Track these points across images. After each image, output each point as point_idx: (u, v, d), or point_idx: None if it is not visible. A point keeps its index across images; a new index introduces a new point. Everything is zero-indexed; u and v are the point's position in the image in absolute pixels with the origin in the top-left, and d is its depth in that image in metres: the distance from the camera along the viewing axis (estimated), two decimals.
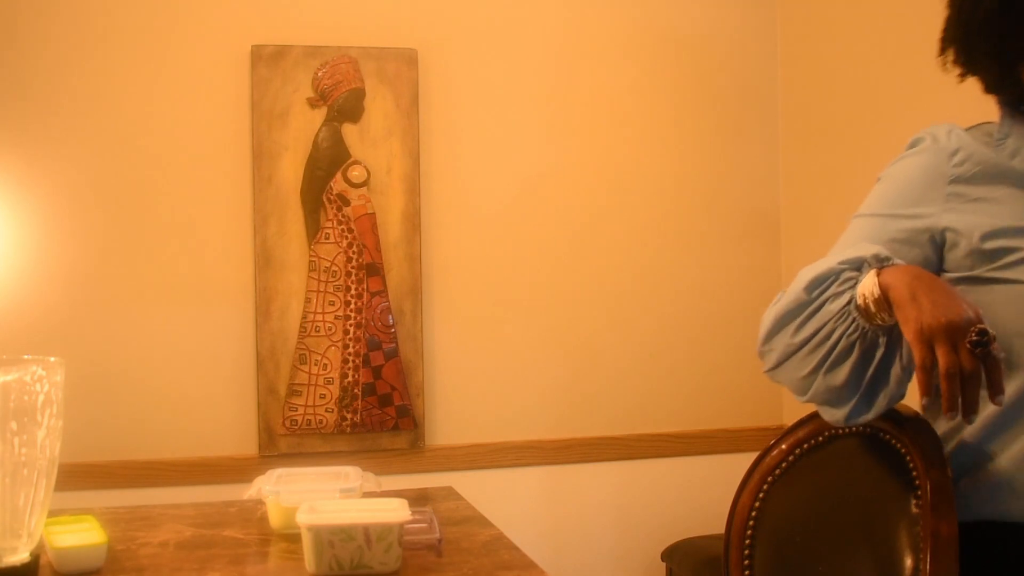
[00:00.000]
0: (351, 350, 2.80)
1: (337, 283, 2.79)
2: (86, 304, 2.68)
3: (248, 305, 2.77)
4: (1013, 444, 1.40)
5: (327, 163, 2.79)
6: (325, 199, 2.79)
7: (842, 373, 1.37)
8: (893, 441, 1.49)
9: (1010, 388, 1.36)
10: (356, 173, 2.80)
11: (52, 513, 1.58)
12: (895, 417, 1.48)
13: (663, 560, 2.90)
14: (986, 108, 1.56)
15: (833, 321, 1.38)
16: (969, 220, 1.42)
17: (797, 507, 1.64)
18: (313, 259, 2.78)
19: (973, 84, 1.56)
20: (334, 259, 2.79)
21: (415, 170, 2.84)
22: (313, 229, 2.78)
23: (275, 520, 1.78)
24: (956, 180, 1.44)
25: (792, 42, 3.07)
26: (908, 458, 1.48)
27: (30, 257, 2.66)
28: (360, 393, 2.80)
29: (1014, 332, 1.37)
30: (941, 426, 1.48)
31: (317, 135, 2.79)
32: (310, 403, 2.78)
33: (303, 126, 2.78)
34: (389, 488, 1.88)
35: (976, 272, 1.41)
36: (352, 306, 2.80)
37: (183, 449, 2.73)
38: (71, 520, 1.69)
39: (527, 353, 2.95)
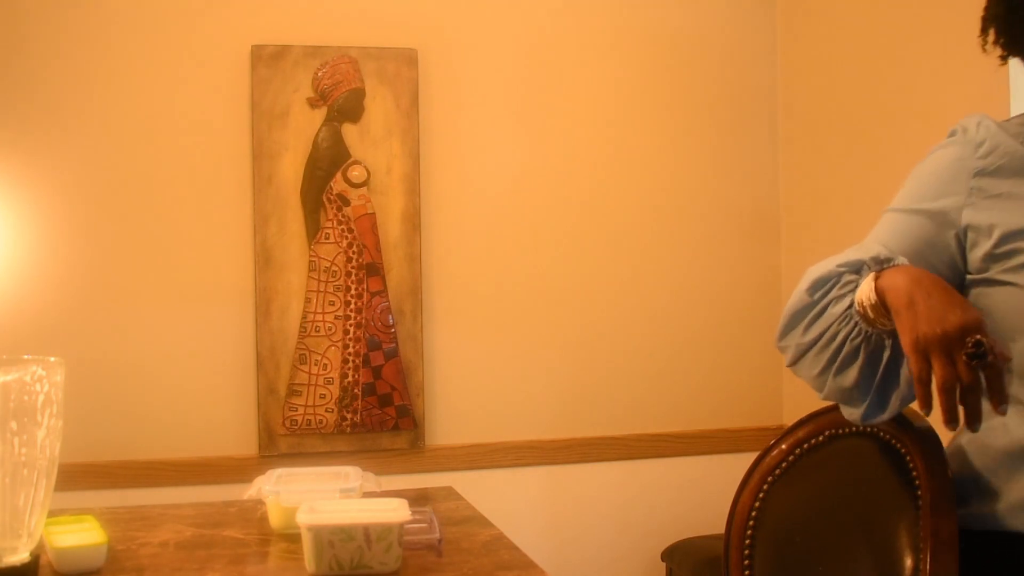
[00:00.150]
0: (351, 350, 2.80)
1: (337, 283, 2.79)
2: (86, 304, 2.68)
3: (248, 305, 2.77)
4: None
5: (327, 163, 2.79)
6: (325, 199, 2.79)
7: (851, 375, 1.34)
8: (893, 441, 1.49)
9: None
10: (356, 173, 2.80)
11: (52, 513, 1.58)
12: (896, 417, 1.47)
13: (663, 560, 2.90)
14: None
15: (836, 324, 1.35)
16: (990, 217, 1.36)
17: (797, 507, 1.64)
18: (313, 259, 2.78)
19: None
20: (334, 259, 2.79)
21: (415, 170, 2.84)
22: (313, 229, 2.78)
23: (275, 520, 1.78)
24: (980, 173, 1.38)
25: (792, 42, 3.07)
26: (908, 458, 1.48)
27: (30, 257, 2.66)
28: (360, 393, 2.80)
29: (1011, 337, 1.34)
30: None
31: (317, 135, 2.79)
32: (310, 403, 2.78)
33: (303, 126, 2.78)
34: (389, 488, 1.88)
35: (990, 274, 1.36)
36: (352, 306, 2.80)
37: (183, 449, 2.73)
38: (71, 520, 1.69)
39: (527, 353, 2.95)
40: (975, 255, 1.36)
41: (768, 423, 3.06)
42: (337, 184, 2.80)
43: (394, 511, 1.56)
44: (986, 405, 1.23)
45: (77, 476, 2.51)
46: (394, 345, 2.82)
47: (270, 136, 2.76)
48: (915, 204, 1.42)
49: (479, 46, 2.93)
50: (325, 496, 1.72)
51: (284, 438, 2.77)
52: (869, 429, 1.51)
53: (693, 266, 3.05)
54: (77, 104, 2.69)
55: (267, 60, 2.76)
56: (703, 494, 3.01)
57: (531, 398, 2.95)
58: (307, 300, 2.78)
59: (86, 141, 2.69)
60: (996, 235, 1.34)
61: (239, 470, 2.67)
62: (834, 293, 1.36)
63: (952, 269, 1.38)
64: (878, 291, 1.28)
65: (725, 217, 3.08)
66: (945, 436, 1.51)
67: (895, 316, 1.24)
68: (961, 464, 1.43)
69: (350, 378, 2.80)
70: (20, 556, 1.48)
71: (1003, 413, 1.20)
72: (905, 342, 1.21)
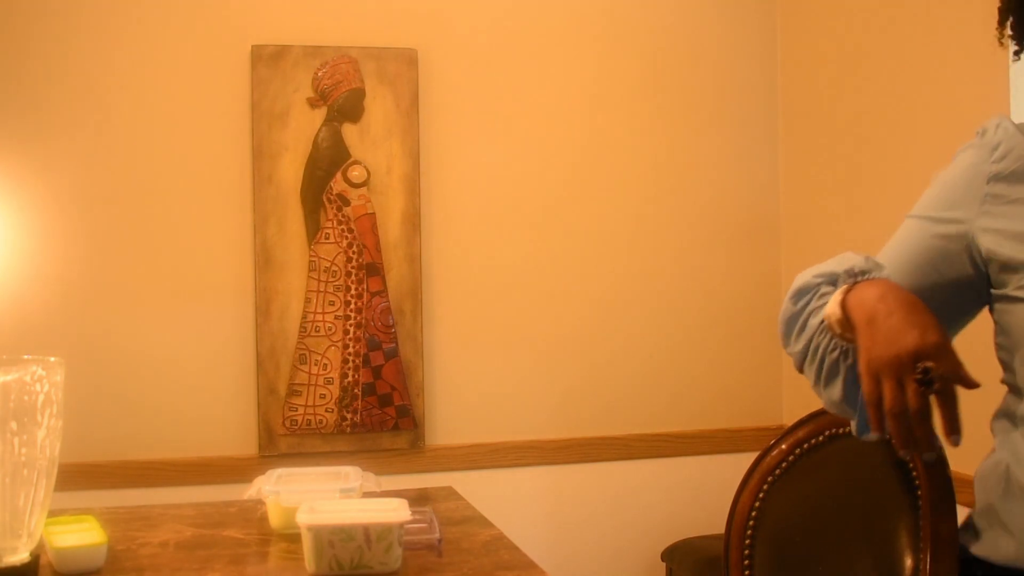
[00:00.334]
0: (351, 350, 2.80)
1: (337, 283, 2.79)
2: (86, 304, 2.68)
3: (248, 305, 2.77)
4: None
5: (327, 163, 2.79)
6: (325, 199, 2.79)
7: (836, 389, 1.30)
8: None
9: None
10: (356, 173, 2.80)
11: (52, 513, 1.58)
12: None
13: (663, 560, 2.90)
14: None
15: (816, 337, 1.32)
16: (1006, 225, 1.27)
17: (797, 507, 1.64)
18: (313, 259, 2.78)
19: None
20: (334, 259, 2.79)
21: (415, 170, 2.84)
22: (313, 229, 2.78)
23: (275, 520, 1.78)
24: (995, 178, 1.29)
25: (792, 42, 3.07)
26: (908, 458, 1.48)
27: (30, 257, 2.66)
28: (360, 393, 2.80)
29: None
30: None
31: (317, 135, 2.79)
32: (310, 403, 2.78)
33: (303, 126, 2.78)
34: (389, 488, 1.88)
35: (1007, 290, 1.27)
36: (352, 306, 2.80)
37: (183, 449, 2.73)
38: (71, 520, 1.69)
39: (527, 353, 2.95)
40: (993, 268, 1.29)
41: (768, 423, 3.06)
42: (337, 184, 2.79)
43: (394, 511, 1.56)
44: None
45: (77, 476, 2.51)
46: (394, 345, 2.82)
47: (270, 136, 2.76)
48: (929, 211, 1.35)
49: (479, 46, 2.93)
50: (325, 496, 1.72)
51: (284, 438, 2.77)
52: None
53: (693, 266, 3.05)
54: (77, 104, 2.69)
55: (267, 60, 2.76)
56: (703, 494, 3.01)
57: (531, 398, 2.95)
58: (307, 300, 2.78)
59: (86, 141, 2.69)
60: (1009, 247, 1.26)
61: (239, 470, 2.67)
62: (813, 304, 1.33)
63: (965, 282, 1.31)
64: (846, 306, 1.24)
65: (725, 217, 3.08)
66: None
67: (857, 333, 1.20)
68: (985, 491, 1.33)
69: (350, 378, 2.80)
70: (20, 556, 1.48)
71: (954, 444, 1.13)
72: (860, 362, 1.18)
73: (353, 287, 2.80)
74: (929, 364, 1.12)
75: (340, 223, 2.79)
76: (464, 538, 1.74)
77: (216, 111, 2.76)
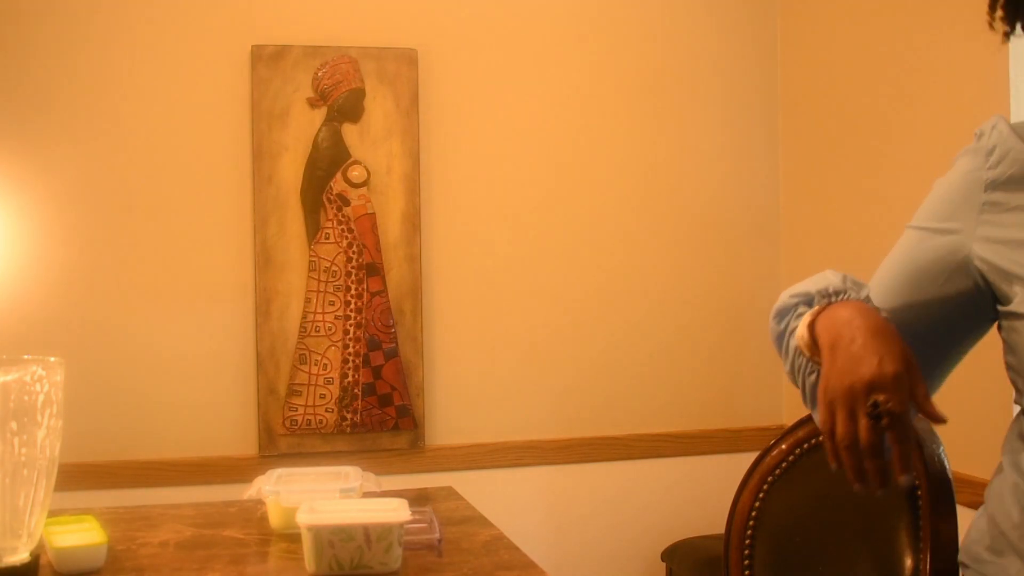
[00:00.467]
0: (351, 350, 2.80)
1: (337, 283, 2.79)
2: (86, 304, 2.68)
3: (248, 305, 2.77)
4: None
5: (327, 163, 2.79)
6: (325, 199, 2.79)
7: (818, 412, 1.22)
8: None
9: None
10: (356, 173, 2.80)
11: (52, 513, 1.58)
12: None
13: (663, 560, 2.90)
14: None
15: (795, 360, 1.28)
16: (1005, 236, 1.19)
17: (797, 507, 1.64)
18: (313, 259, 2.78)
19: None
20: (334, 259, 2.79)
21: (415, 170, 2.84)
22: (313, 229, 2.78)
23: (275, 520, 1.78)
24: (992, 186, 1.21)
25: (792, 42, 3.07)
26: None
27: (30, 257, 2.66)
28: (360, 393, 2.80)
29: None
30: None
31: (317, 135, 2.79)
32: (310, 403, 2.78)
33: (303, 126, 2.78)
34: (389, 488, 1.88)
35: (1013, 306, 1.18)
36: (352, 306, 2.80)
37: (183, 449, 2.73)
38: (71, 520, 1.69)
39: (527, 353, 2.95)
40: (996, 282, 1.20)
41: (768, 423, 3.06)
42: (337, 184, 2.79)
43: (394, 511, 1.56)
44: None
45: (77, 476, 2.51)
46: (394, 345, 2.82)
47: (270, 136, 2.76)
48: (926, 222, 1.27)
49: (479, 46, 2.93)
50: (325, 496, 1.72)
51: (284, 438, 2.77)
52: None
53: (693, 266, 3.05)
54: (77, 104, 2.69)
55: (267, 60, 2.76)
56: (703, 494, 3.01)
57: (531, 398, 2.95)
58: (307, 300, 2.78)
59: (86, 141, 2.69)
60: (1011, 258, 1.18)
61: (239, 470, 2.67)
62: (792, 325, 1.28)
63: (966, 297, 1.23)
64: (814, 329, 1.19)
65: (725, 217, 3.08)
66: (948, 437, 1.51)
67: (822, 359, 1.16)
68: (999, 512, 1.24)
69: (350, 378, 2.80)
70: (20, 556, 1.48)
71: (905, 484, 1.08)
72: (819, 389, 1.14)
73: (353, 287, 2.80)
74: (879, 397, 1.07)
75: (340, 223, 2.80)
76: (464, 538, 1.74)
77: (216, 111, 2.76)
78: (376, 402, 2.80)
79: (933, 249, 1.25)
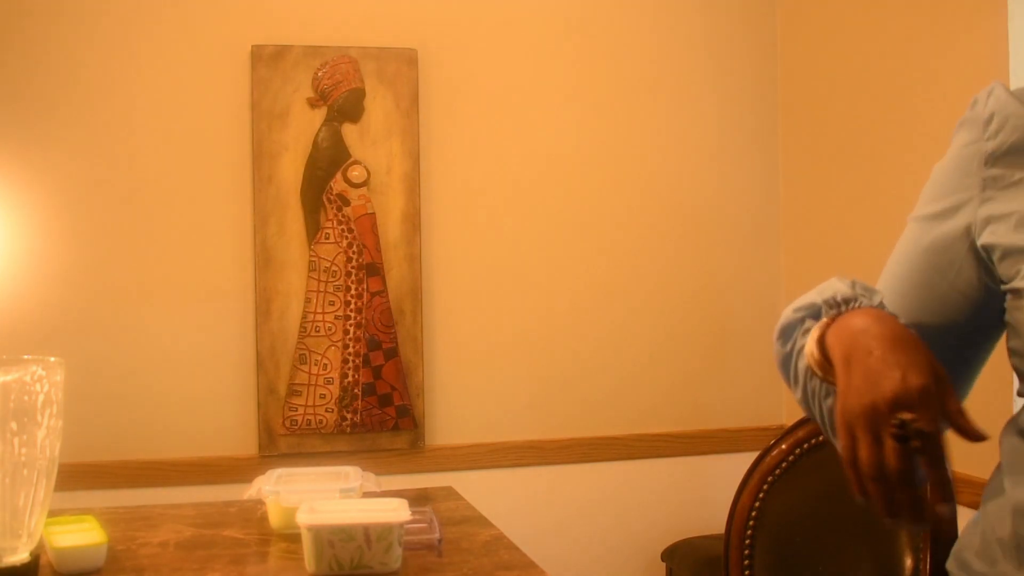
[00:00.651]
0: (351, 350, 2.80)
1: (337, 283, 2.79)
2: (86, 304, 2.68)
3: (248, 305, 2.77)
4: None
5: (327, 163, 2.79)
6: (325, 199, 2.79)
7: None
8: None
9: None
10: (356, 173, 2.80)
11: (52, 513, 1.58)
12: None
13: (663, 560, 2.90)
14: None
15: (808, 383, 1.13)
16: (1010, 210, 1.07)
17: (797, 507, 1.64)
18: (313, 259, 2.78)
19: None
20: (334, 259, 2.79)
21: (415, 170, 2.84)
22: (313, 229, 2.78)
23: (275, 520, 1.78)
24: (992, 158, 1.09)
25: (792, 42, 3.07)
26: None
27: (30, 257, 2.66)
28: (360, 393, 2.80)
29: None
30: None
31: (317, 135, 2.79)
32: (310, 403, 2.78)
33: (303, 126, 2.78)
34: (389, 488, 1.88)
35: (1016, 283, 1.06)
36: (352, 306, 2.80)
37: (183, 449, 2.73)
38: (71, 520, 1.69)
39: (527, 353, 2.95)
40: (999, 259, 1.09)
41: (768, 423, 3.06)
42: (337, 184, 2.79)
43: (394, 511, 1.56)
44: None
45: (77, 476, 2.51)
46: (394, 345, 2.82)
47: (270, 136, 2.76)
48: (926, 209, 1.16)
49: (479, 46, 2.93)
50: (325, 496, 1.72)
51: (284, 438, 2.77)
52: None
53: (693, 266, 3.05)
54: (77, 104, 2.69)
55: (267, 60, 2.76)
56: (703, 494, 3.01)
57: (531, 398, 2.95)
58: (307, 300, 2.78)
59: (86, 141, 2.69)
60: (1016, 235, 1.06)
61: (239, 470, 2.67)
62: (799, 343, 1.14)
63: (981, 289, 1.11)
64: (824, 343, 1.05)
65: (724, 217, 3.08)
66: (948, 436, 1.51)
67: (836, 376, 1.01)
68: (993, 524, 1.12)
69: (350, 378, 2.80)
70: (20, 556, 1.48)
71: (946, 515, 0.97)
72: (835, 411, 0.98)
73: (353, 287, 2.80)
74: (906, 416, 0.92)
75: (340, 223, 2.79)
76: (464, 538, 1.74)
77: (216, 111, 2.76)
78: (376, 402, 2.80)
79: (937, 238, 1.13)
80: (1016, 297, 1.06)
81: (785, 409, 3.08)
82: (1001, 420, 1.14)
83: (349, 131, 2.80)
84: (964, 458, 1.38)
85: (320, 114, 2.79)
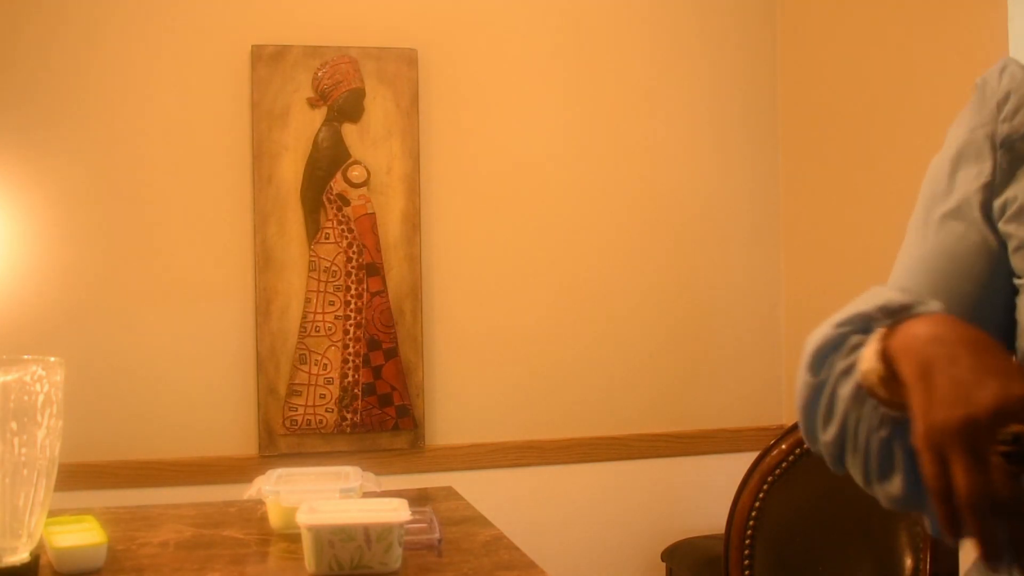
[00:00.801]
0: (351, 350, 2.80)
1: (337, 283, 2.79)
2: (86, 304, 2.68)
3: (248, 305, 2.77)
4: None
5: (327, 163, 2.79)
6: (325, 199, 2.79)
7: (895, 483, 0.91)
8: None
9: None
10: (356, 173, 2.80)
11: (52, 513, 1.58)
12: None
13: (663, 560, 2.90)
14: None
15: (852, 412, 0.92)
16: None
17: (797, 507, 1.64)
18: (313, 259, 2.78)
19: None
20: (334, 259, 2.79)
21: (415, 170, 2.84)
22: (313, 229, 2.78)
23: (275, 520, 1.78)
24: (1008, 142, 0.97)
25: (792, 43, 3.07)
26: None
27: (30, 257, 2.66)
28: (360, 393, 2.80)
29: None
30: None
31: (317, 135, 2.79)
32: (310, 403, 2.78)
33: (303, 126, 2.78)
34: (389, 488, 1.88)
35: None
36: (352, 306, 2.80)
37: (183, 449, 2.73)
38: (71, 520, 1.69)
39: (527, 353, 2.95)
40: (1014, 251, 0.97)
41: (768, 423, 3.06)
42: (337, 184, 2.79)
43: (394, 511, 1.56)
44: None
45: (77, 476, 2.51)
46: (394, 345, 2.82)
47: (270, 136, 2.76)
48: (931, 205, 1.03)
49: (479, 46, 2.93)
50: (325, 496, 1.72)
51: (284, 438, 2.77)
52: None
53: (693, 266, 3.05)
54: (77, 104, 2.69)
55: (267, 60, 2.76)
56: (703, 494, 3.01)
57: (531, 398, 2.95)
58: (307, 300, 2.78)
59: (86, 141, 2.69)
60: None
61: (239, 470, 2.67)
62: (840, 365, 0.94)
63: (996, 290, 0.98)
64: (889, 356, 0.86)
65: (725, 217, 3.08)
66: None
67: (906, 391, 0.83)
68: None
69: (350, 378, 2.80)
70: (20, 556, 1.48)
71: None
72: (915, 434, 0.80)
73: (353, 287, 2.80)
74: (1018, 428, 0.77)
75: (340, 223, 2.79)
76: (464, 538, 1.74)
77: (216, 111, 2.76)
78: (376, 402, 2.80)
79: (950, 239, 1.00)
80: None
81: (785, 409, 3.08)
82: None
83: (349, 131, 2.80)
84: None
85: (320, 114, 2.79)
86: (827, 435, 0.96)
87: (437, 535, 1.67)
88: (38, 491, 1.49)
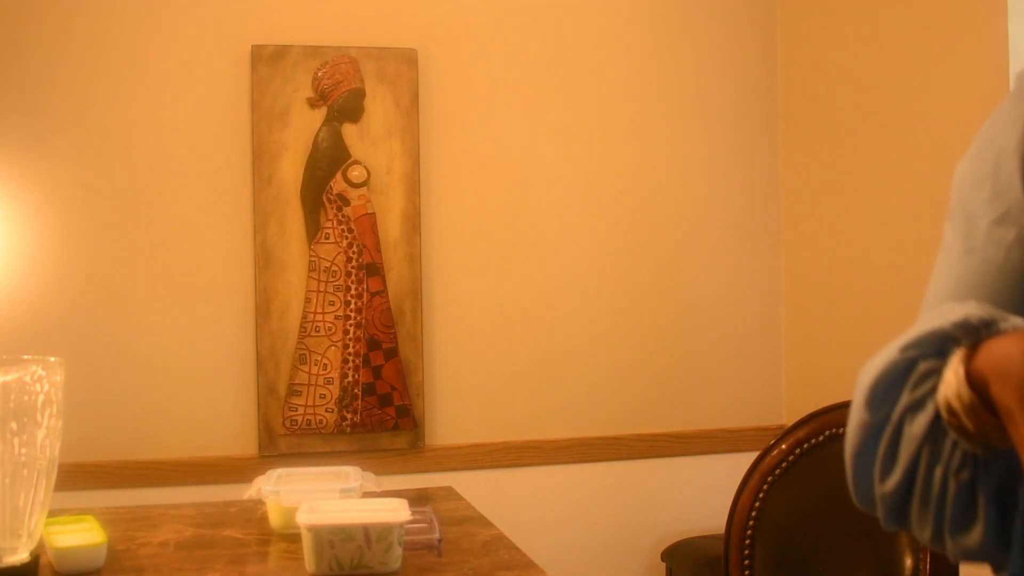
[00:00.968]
0: (351, 350, 2.80)
1: (337, 283, 2.79)
2: (86, 304, 2.68)
3: (248, 305, 2.77)
4: None
5: (327, 163, 2.79)
6: (325, 199, 2.79)
7: (975, 534, 0.78)
8: None
9: None
10: (356, 173, 2.80)
11: (52, 513, 1.58)
12: None
13: (663, 560, 2.90)
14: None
15: (925, 454, 0.79)
16: None
17: (797, 507, 1.64)
18: (313, 259, 2.78)
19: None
20: (334, 259, 2.79)
21: (415, 170, 2.84)
22: (313, 229, 2.78)
23: (275, 520, 1.78)
24: None
25: (792, 42, 3.07)
26: None
27: (30, 257, 2.66)
28: (360, 393, 2.80)
29: None
30: None
31: (317, 135, 2.79)
32: (310, 403, 2.78)
33: (303, 126, 2.78)
34: (389, 488, 1.88)
35: None
36: (352, 306, 2.80)
37: (183, 449, 2.73)
38: (71, 520, 1.69)
39: (527, 353, 2.95)
40: None
41: (768, 423, 3.06)
42: (337, 184, 2.79)
43: (394, 511, 1.56)
44: None
45: (77, 476, 2.51)
46: (394, 345, 2.82)
47: (270, 136, 2.76)
48: (969, 214, 0.91)
49: (479, 46, 2.93)
50: (325, 496, 1.72)
51: (284, 438, 2.77)
52: None
53: (693, 266, 3.05)
54: (76, 104, 2.69)
55: (267, 60, 2.76)
56: (703, 494, 3.01)
57: (531, 398, 2.95)
58: (307, 300, 2.78)
59: (86, 141, 2.69)
60: None
61: (239, 470, 2.67)
62: (906, 398, 0.80)
63: None
64: (977, 379, 0.74)
65: (725, 217, 3.08)
66: None
67: (1006, 420, 0.71)
68: None
69: (350, 378, 2.80)
70: (20, 556, 1.48)
71: None
72: None
73: (353, 287, 2.80)
74: None
75: (340, 223, 2.80)
76: (464, 538, 1.74)
77: (216, 111, 2.76)
78: (376, 402, 2.81)
79: (993, 252, 0.88)
80: None
81: (785, 409, 3.08)
82: None
83: (349, 131, 2.80)
84: None
85: (320, 114, 2.79)
86: (888, 484, 0.82)
87: (437, 535, 1.67)
88: (38, 491, 1.49)
